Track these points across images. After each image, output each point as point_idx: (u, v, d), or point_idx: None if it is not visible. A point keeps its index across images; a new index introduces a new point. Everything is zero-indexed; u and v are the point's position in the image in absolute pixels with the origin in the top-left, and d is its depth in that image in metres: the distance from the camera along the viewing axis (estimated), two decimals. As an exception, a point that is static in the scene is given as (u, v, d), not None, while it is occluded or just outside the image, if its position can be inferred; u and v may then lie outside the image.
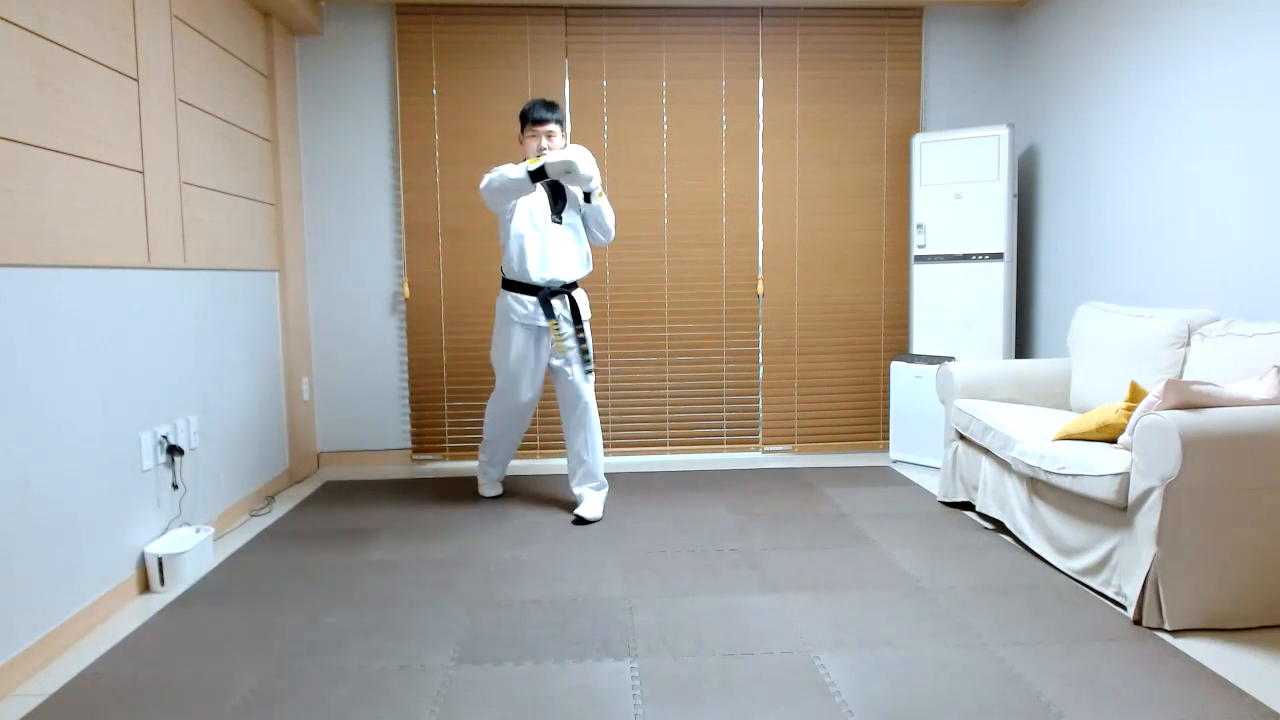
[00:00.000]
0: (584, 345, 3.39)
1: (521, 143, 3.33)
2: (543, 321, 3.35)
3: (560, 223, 3.34)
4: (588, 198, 3.31)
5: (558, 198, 3.36)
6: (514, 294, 3.36)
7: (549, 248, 3.32)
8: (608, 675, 2.08)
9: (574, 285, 3.42)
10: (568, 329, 3.37)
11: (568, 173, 3.11)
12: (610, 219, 3.39)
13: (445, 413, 4.39)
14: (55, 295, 2.30)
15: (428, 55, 4.23)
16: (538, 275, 3.32)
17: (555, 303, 3.35)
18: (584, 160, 3.13)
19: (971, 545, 3.00)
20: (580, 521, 3.32)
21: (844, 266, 4.51)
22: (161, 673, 2.13)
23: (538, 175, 3.12)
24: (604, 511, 3.44)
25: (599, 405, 4.41)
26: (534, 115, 3.28)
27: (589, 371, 3.39)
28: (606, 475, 4.04)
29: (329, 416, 4.37)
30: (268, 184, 3.88)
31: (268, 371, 3.83)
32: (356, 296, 4.34)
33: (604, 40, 4.29)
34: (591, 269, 3.51)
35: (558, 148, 3.29)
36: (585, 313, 3.43)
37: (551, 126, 3.28)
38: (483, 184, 3.23)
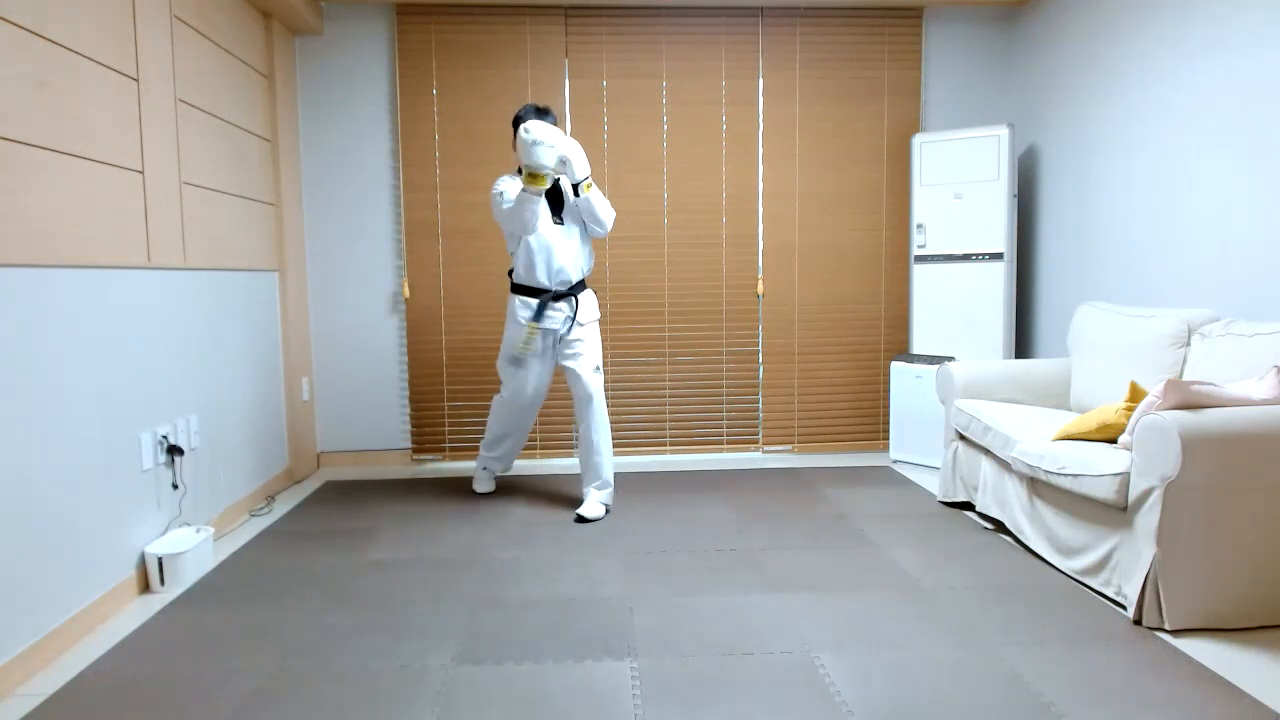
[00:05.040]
0: (574, 347, 3.38)
1: (515, 147, 3.29)
2: (548, 324, 3.38)
3: (561, 223, 3.35)
4: (575, 190, 3.24)
5: (556, 199, 3.37)
6: (520, 296, 3.41)
7: (553, 250, 3.33)
8: (608, 675, 2.08)
9: (580, 286, 3.42)
10: (559, 328, 3.38)
11: (563, 163, 3.14)
12: (603, 209, 3.30)
13: (445, 413, 4.39)
14: (55, 295, 2.30)
15: (428, 55, 4.23)
16: (543, 278, 3.35)
17: (562, 305, 3.37)
18: (568, 147, 3.14)
19: (971, 545, 3.00)
20: (581, 520, 3.34)
21: (844, 266, 4.51)
22: (161, 673, 2.13)
23: (536, 181, 3.11)
24: (606, 511, 3.44)
25: (599, 405, 4.43)
26: (524, 120, 3.27)
27: (596, 369, 3.40)
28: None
29: (329, 416, 4.37)
30: (268, 184, 3.88)
31: (268, 371, 3.83)
32: (356, 296, 4.34)
33: (604, 40, 4.29)
34: (593, 266, 3.51)
35: None
36: (591, 314, 3.44)
37: None
38: (496, 212, 3.29)
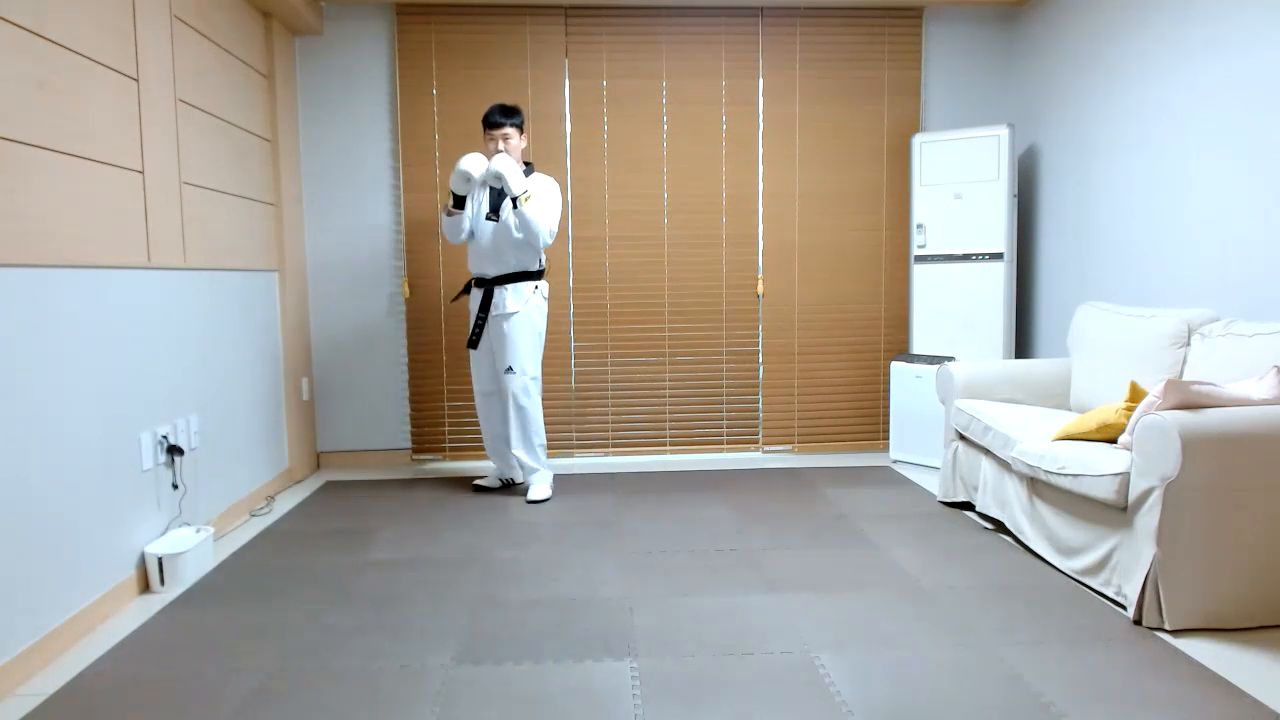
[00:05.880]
0: (475, 336, 3.59)
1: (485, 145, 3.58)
2: (474, 307, 3.65)
3: (496, 220, 3.49)
4: (515, 201, 3.45)
5: (500, 196, 3.51)
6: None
7: (479, 243, 3.55)
8: (608, 675, 2.08)
9: (513, 278, 3.54)
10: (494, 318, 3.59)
11: (498, 178, 3.39)
12: (537, 219, 3.45)
13: (445, 413, 4.39)
14: (55, 295, 2.30)
15: (428, 55, 4.23)
16: (470, 266, 3.61)
17: (476, 295, 3.62)
18: (502, 166, 3.37)
19: (971, 545, 3.00)
20: (531, 502, 3.60)
21: (844, 266, 4.51)
22: (161, 673, 2.13)
23: (458, 203, 3.51)
24: (552, 491, 3.71)
25: (598, 403, 4.43)
26: (490, 120, 3.50)
27: (507, 369, 3.54)
28: (607, 475, 4.08)
29: (329, 416, 4.37)
30: (268, 184, 3.88)
31: (268, 371, 3.83)
32: (356, 296, 4.34)
33: (604, 40, 4.29)
34: (538, 264, 3.60)
35: (512, 150, 3.53)
36: (505, 308, 3.53)
37: (507, 130, 3.50)
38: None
